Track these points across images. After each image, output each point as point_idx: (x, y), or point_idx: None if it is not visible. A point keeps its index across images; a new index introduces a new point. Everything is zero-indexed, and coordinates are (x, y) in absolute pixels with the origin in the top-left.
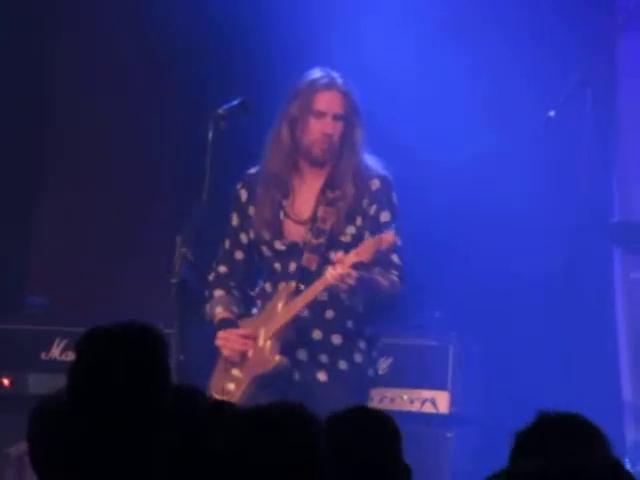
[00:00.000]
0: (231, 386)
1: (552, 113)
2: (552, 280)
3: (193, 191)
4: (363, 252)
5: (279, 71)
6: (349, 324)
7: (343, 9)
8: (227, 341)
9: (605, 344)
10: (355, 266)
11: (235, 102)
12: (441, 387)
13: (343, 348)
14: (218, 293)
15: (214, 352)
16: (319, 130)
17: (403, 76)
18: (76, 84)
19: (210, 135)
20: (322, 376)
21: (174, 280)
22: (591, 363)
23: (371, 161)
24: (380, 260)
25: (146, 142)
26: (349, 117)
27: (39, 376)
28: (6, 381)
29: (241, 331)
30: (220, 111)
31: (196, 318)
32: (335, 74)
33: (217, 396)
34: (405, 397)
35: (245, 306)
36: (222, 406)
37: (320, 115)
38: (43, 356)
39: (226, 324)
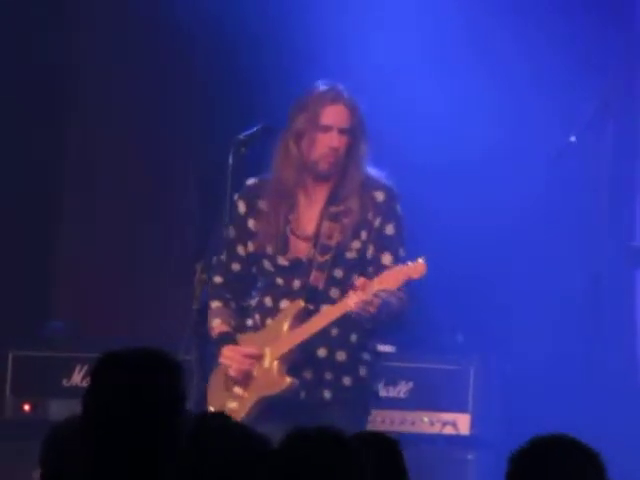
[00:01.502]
0: (233, 405)
1: (573, 138)
2: (574, 302)
3: (213, 216)
4: (389, 280)
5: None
6: (353, 338)
7: (357, 23)
8: (233, 360)
9: (627, 366)
10: (381, 294)
11: (256, 127)
12: (462, 409)
13: (347, 364)
14: (215, 304)
15: None
16: (326, 144)
17: (416, 89)
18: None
19: (230, 160)
20: (327, 394)
21: (195, 306)
22: (613, 384)
23: (374, 172)
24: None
25: (166, 167)
26: (355, 131)
27: (60, 402)
28: (27, 407)
29: (246, 350)
30: (241, 137)
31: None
32: (341, 87)
33: (232, 402)
34: (426, 419)
35: (239, 318)
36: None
37: (327, 129)
38: (64, 382)
39: (226, 339)
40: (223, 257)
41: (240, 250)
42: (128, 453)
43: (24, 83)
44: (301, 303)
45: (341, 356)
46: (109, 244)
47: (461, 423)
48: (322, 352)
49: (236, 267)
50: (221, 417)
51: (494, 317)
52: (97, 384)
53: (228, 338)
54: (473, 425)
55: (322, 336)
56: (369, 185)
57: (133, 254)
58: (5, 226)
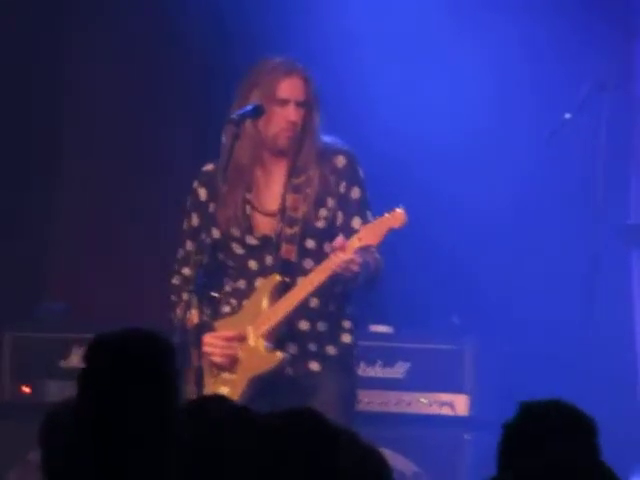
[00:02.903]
0: (225, 389)
1: (568, 115)
2: (569, 282)
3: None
4: (370, 235)
5: None
6: (331, 308)
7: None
8: (215, 347)
9: (623, 345)
10: (360, 251)
11: (249, 107)
12: (459, 390)
13: (329, 333)
14: (186, 296)
15: None
16: (283, 119)
17: (409, 72)
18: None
19: (224, 140)
20: (314, 365)
21: (190, 287)
22: (609, 365)
23: (329, 139)
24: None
25: (158, 144)
26: (310, 103)
27: (58, 384)
28: (26, 389)
29: (226, 334)
30: (234, 116)
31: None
32: (293, 58)
33: (223, 387)
34: (423, 400)
35: (213, 308)
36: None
37: (284, 103)
38: (62, 364)
39: (203, 328)
40: (188, 246)
41: (206, 238)
42: (123, 435)
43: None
44: (277, 277)
45: (322, 326)
46: (106, 225)
47: (459, 404)
48: (304, 325)
49: (204, 257)
50: (218, 399)
51: (491, 297)
52: (90, 366)
53: (206, 327)
54: (471, 406)
55: (302, 309)
56: (327, 152)
57: (130, 236)
58: (2, 206)
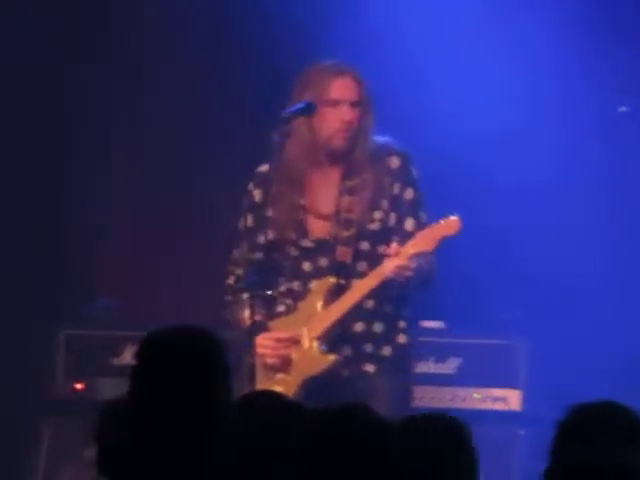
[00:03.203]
0: (279, 389)
1: (623, 109)
2: (629, 277)
3: None
4: (424, 242)
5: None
6: (387, 309)
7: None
8: (267, 348)
9: None
10: (415, 257)
11: (300, 105)
12: (513, 385)
13: (385, 334)
14: (243, 296)
15: None
16: (337, 119)
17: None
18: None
19: (275, 138)
20: (369, 367)
21: (241, 284)
22: None
23: (382, 139)
24: (407, 239)
25: (213, 143)
26: (363, 103)
27: (111, 381)
28: (78, 386)
29: (280, 335)
30: (285, 114)
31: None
32: (343, 61)
33: (278, 387)
34: (477, 396)
35: (267, 307)
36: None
37: (336, 103)
38: (114, 361)
39: (258, 328)
40: (243, 247)
41: (260, 239)
42: (175, 431)
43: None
44: (331, 279)
45: (378, 327)
46: (158, 222)
47: (512, 399)
48: (359, 326)
49: (258, 256)
50: (269, 394)
51: (545, 292)
52: (142, 363)
53: (260, 327)
54: (524, 401)
55: (357, 310)
56: (381, 152)
57: (183, 233)
58: (53, 206)
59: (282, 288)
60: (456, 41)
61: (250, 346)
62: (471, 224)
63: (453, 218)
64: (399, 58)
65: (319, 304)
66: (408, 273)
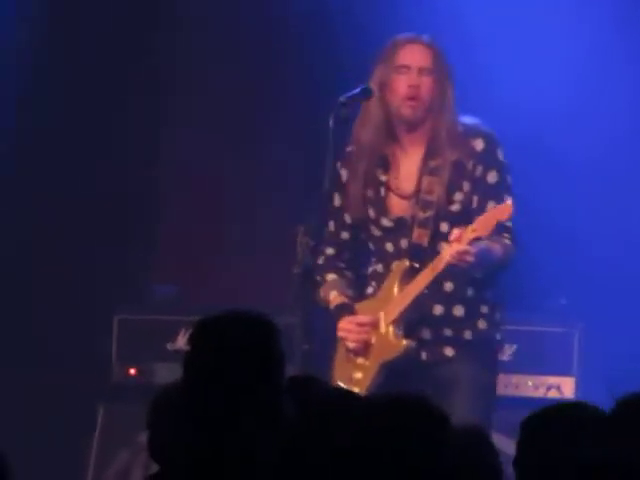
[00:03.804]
0: (359, 375)
1: None
2: None
3: (314, 180)
4: (481, 227)
5: None
6: (469, 292)
7: None
8: (349, 332)
9: None
10: (476, 243)
11: (357, 89)
12: (566, 373)
13: (466, 318)
14: (330, 277)
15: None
16: (404, 85)
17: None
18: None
19: (331, 123)
20: (449, 351)
21: (297, 270)
22: None
23: (470, 120)
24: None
25: (266, 132)
26: (439, 73)
27: (165, 366)
28: (133, 371)
29: (361, 319)
30: (342, 99)
31: (321, 307)
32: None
33: (344, 386)
34: (530, 383)
35: (358, 287)
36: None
37: (404, 69)
38: (169, 346)
39: (343, 310)
40: (331, 227)
41: (347, 218)
42: (228, 415)
43: None
44: (406, 263)
45: (458, 311)
46: (217, 208)
47: (565, 386)
48: (438, 309)
49: (345, 235)
50: (314, 380)
51: (600, 280)
52: (195, 348)
53: (346, 309)
54: (578, 388)
55: (436, 293)
56: (466, 134)
57: (239, 219)
58: (115, 192)
59: (370, 269)
60: (518, 28)
61: (306, 332)
62: (527, 208)
63: (507, 203)
64: (460, 44)
65: (395, 288)
66: (469, 258)
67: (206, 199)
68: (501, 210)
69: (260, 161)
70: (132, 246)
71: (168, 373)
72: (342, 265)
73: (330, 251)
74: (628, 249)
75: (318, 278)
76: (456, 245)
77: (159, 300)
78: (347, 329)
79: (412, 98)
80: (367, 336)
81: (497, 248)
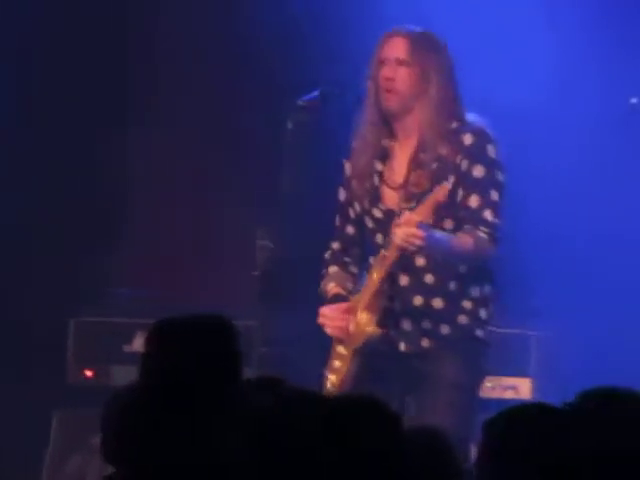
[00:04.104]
0: (337, 363)
1: (634, 100)
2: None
3: (273, 183)
4: (422, 210)
5: (361, 60)
6: (451, 286)
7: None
8: (327, 318)
9: None
10: (425, 225)
11: (315, 92)
12: (523, 374)
13: (445, 312)
14: (332, 269)
15: (302, 342)
16: (382, 78)
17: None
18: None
19: (289, 125)
20: (425, 342)
21: (256, 272)
22: None
23: (472, 117)
24: (470, 217)
25: (227, 134)
26: (417, 64)
27: (121, 368)
28: (89, 373)
29: (343, 306)
30: (300, 102)
31: (283, 310)
32: (412, 26)
33: (329, 375)
34: (488, 384)
35: (355, 281)
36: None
37: (383, 63)
38: (125, 348)
39: (337, 300)
40: (337, 222)
41: (351, 212)
42: (184, 417)
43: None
44: (382, 252)
45: (438, 303)
46: (173, 213)
47: (522, 388)
48: (418, 300)
49: (350, 230)
50: (273, 381)
51: (557, 282)
52: (152, 350)
53: (340, 300)
54: (534, 390)
55: (417, 284)
56: (459, 130)
57: (198, 222)
58: (71, 194)
59: (369, 262)
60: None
61: (264, 335)
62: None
63: (444, 185)
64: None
65: (375, 276)
66: (417, 242)
67: (165, 201)
68: (438, 192)
69: (220, 163)
70: (89, 248)
71: (124, 375)
72: (348, 260)
73: (336, 246)
74: (587, 249)
75: (323, 271)
76: (404, 227)
77: (116, 302)
78: (325, 315)
79: (388, 90)
80: (344, 323)
81: (464, 239)
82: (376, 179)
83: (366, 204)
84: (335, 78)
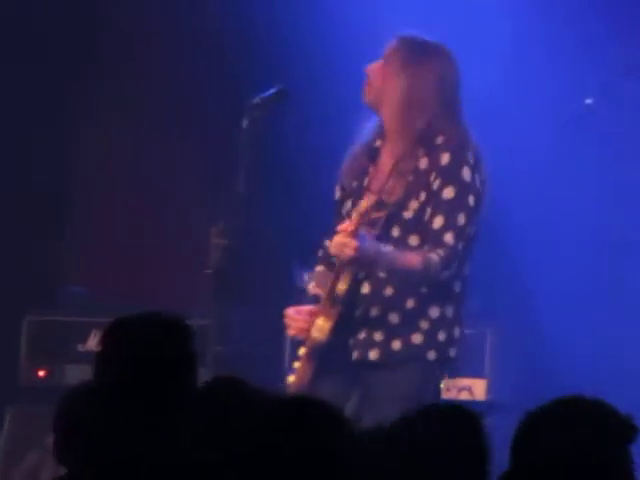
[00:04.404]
0: (297, 364)
1: (589, 101)
2: (591, 268)
3: (228, 181)
4: (353, 219)
5: (316, 61)
6: (409, 303)
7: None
8: (290, 319)
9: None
10: (363, 236)
11: (271, 91)
12: (478, 375)
13: (400, 327)
14: (318, 268)
15: (257, 341)
16: None
17: None
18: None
19: (244, 124)
20: (373, 354)
21: (210, 271)
22: (627, 351)
23: (461, 134)
24: (432, 237)
25: (182, 134)
26: (394, 62)
27: (76, 367)
28: (42, 372)
29: (307, 308)
30: (256, 100)
31: (235, 308)
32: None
33: (289, 375)
34: (441, 385)
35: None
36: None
37: None
38: (80, 347)
39: (314, 301)
40: (333, 220)
41: (344, 211)
42: (137, 416)
43: None
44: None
45: (394, 318)
46: (129, 211)
47: (477, 388)
48: (374, 311)
49: None
50: (229, 381)
51: (511, 282)
52: (107, 349)
53: (314, 299)
54: (489, 390)
55: (377, 295)
56: (441, 147)
57: (152, 220)
58: (23, 190)
59: None
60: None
61: (219, 333)
62: None
63: (370, 197)
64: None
65: (331, 281)
66: (348, 251)
67: (119, 199)
68: (361, 204)
69: (173, 161)
70: (43, 246)
71: (79, 374)
72: (334, 259)
73: (328, 244)
74: (540, 251)
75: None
76: (340, 236)
77: (70, 301)
78: (288, 315)
79: (366, 84)
80: (305, 325)
81: (411, 258)
82: (364, 179)
83: (349, 204)
84: (291, 76)
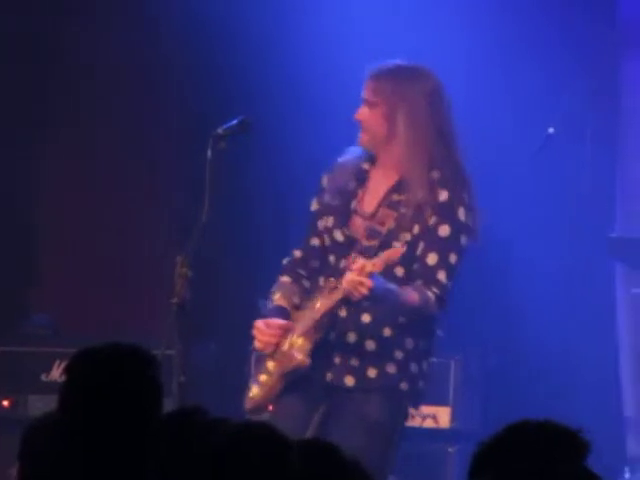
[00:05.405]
0: (263, 377)
1: (551, 130)
2: (553, 295)
3: (194, 211)
4: (378, 263)
5: (278, 90)
6: (386, 332)
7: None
8: (259, 332)
9: (606, 359)
10: (377, 277)
11: (234, 122)
12: (442, 403)
13: (376, 356)
14: (283, 279)
15: (218, 372)
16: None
17: None
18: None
19: (209, 154)
20: (349, 380)
21: (174, 300)
22: (593, 378)
23: (452, 166)
24: (424, 273)
25: (150, 166)
26: (382, 104)
27: (39, 398)
28: (6, 402)
29: (272, 321)
30: (219, 131)
31: (198, 339)
32: (391, 63)
33: (252, 385)
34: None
35: (303, 296)
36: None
37: (362, 102)
38: (43, 377)
39: (277, 313)
40: (306, 232)
41: (320, 224)
42: (103, 447)
43: None
44: (333, 282)
45: (370, 345)
46: (93, 241)
47: (441, 416)
48: (351, 337)
49: (315, 242)
50: (191, 411)
51: (473, 313)
52: (71, 379)
53: (280, 313)
54: (454, 418)
55: (354, 321)
56: (438, 182)
57: (117, 251)
58: None
59: (320, 280)
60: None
61: (182, 364)
62: None
63: (397, 247)
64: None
65: (318, 303)
66: (364, 290)
67: (83, 230)
68: (392, 252)
69: (139, 191)
70: (6, 276)
71: (42, 405)
72: (302, 272)
73: (297, 254)
74: (502, 281)
75: (277, 277)
76: (355, 274)
77: (34, 331)
78: (257, 328)
79: (361, 130)
80: (274, 339)
81: (412, 295)
82: (349, 200)
83: (329, 222)
84: (253, 108)
